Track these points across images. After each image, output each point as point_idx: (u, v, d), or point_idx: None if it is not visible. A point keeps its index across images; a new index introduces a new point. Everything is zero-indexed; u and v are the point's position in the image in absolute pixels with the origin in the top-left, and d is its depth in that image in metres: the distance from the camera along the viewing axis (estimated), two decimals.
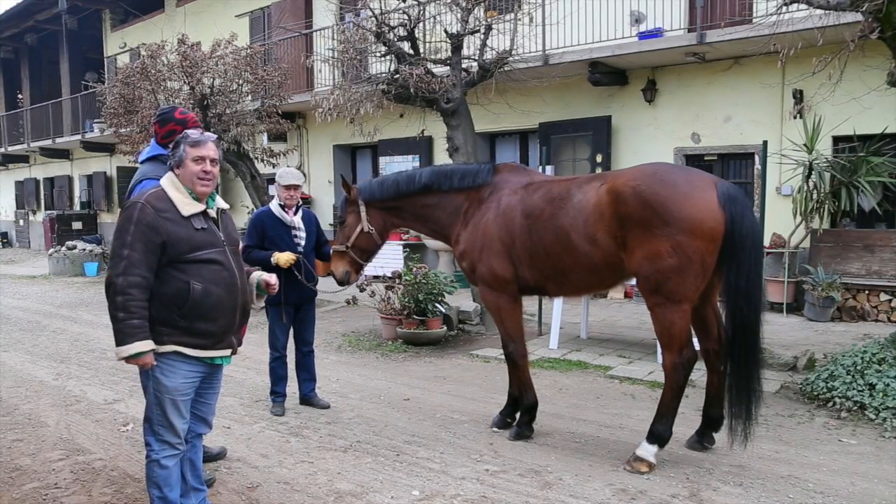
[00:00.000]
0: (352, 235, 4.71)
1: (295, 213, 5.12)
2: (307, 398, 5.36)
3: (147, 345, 2.92)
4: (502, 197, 4.40)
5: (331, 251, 4.91)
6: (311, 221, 5.24)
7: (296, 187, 5.09)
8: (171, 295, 2.98)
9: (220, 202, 3.24)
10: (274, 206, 5.12)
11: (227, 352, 3.20)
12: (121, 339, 2.91)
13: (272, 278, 3.42)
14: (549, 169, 9.80)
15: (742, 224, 3.73)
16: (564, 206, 4.10)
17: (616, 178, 4.02)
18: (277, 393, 5.22)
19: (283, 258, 4.93)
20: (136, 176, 3.81)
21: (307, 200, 14.44)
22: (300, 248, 5.09)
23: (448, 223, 4.66)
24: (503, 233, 4.31)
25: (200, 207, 3.08)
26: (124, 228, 2.96)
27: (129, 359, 2.93)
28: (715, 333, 4.19)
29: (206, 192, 3.11)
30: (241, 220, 13.93)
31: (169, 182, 3.08)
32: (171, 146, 3.16)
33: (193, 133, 3.16)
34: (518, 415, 4.67)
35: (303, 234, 5.13)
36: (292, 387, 5.43)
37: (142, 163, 3.85)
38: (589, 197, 4.02)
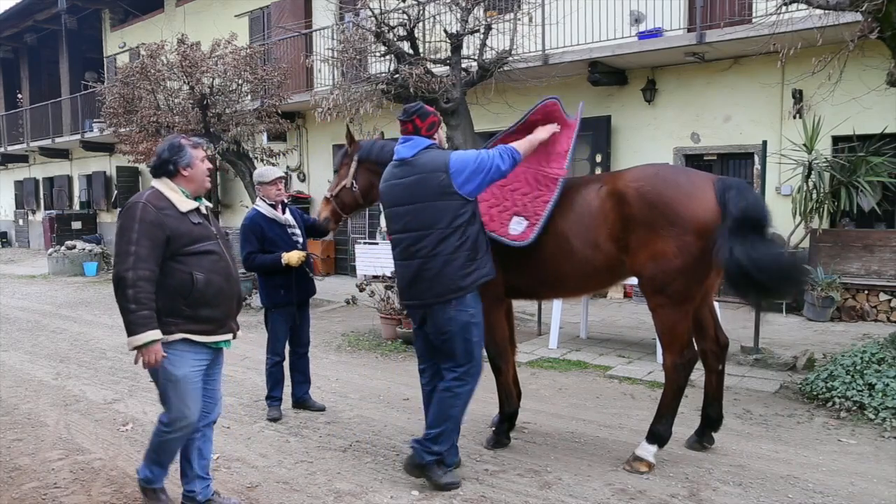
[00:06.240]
0: (337, 187, 4.63)
1: (283, 212, 5.10)
2: (302, 400, 5.30)
3: (157, 334, 3.11)
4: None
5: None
6: (298, 217, 5.23)
7: (282, 179, 5.11)
8: (176, 286, 3.19)
9: (205, 202, 3.48)
10: (263, 207, 5.03)
11: (229, 336, 3.43)
12: (133, 329, 3.08)
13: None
14: None
15: (736, 207, 3.60)
16: (562, 211, 3.98)
17: (616, 179, 3.96)
18: (275, 397, 5.16)
19: (295, 257, 4.92)
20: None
21: (306, 200, 14.44)
22: (299, 245, 5.08)
23: None
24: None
25: (195, 204, 3.35)
26: (129, 227, 3.13)
27: (140, 348, 3.08)
28: (712, 334, 4.18)
29: (208, 188, 3.46)
30: (241, 219, 13.93)
31: (163, 185, 3.32)
32: (166, 152, 3.32)
33: (188, 138, 3.43)
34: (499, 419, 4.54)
35: (298, 231, 5.12)
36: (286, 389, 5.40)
37: (413, 157, 3.78)
38: (590, 199, 3.94)
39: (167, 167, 3.32)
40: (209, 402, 3.46)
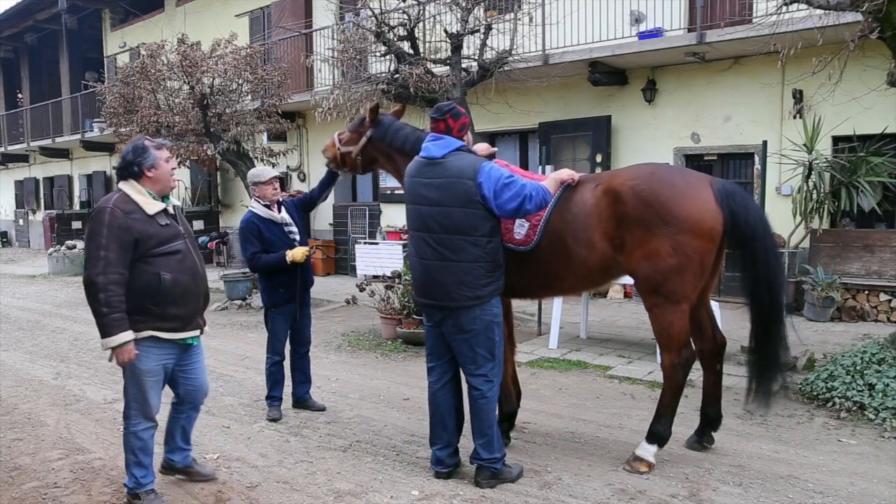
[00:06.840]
0: (344, 146, 4.66)
1: (279, 211, 5.10)
2: (302, 400, 5.30)
3: (130, 335, 3.30)
4: None
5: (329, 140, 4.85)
6: (293, 209, 5.22)
7: (277, 178, 5.11)
8: (143, 286, 3.34)
9: (173, 200, 3.61)
10: (258, 208, 5.04)
11: (196, 332, 3.60)
12: (107, 331, 3.24)
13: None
14: (548, 169, 9.79)
15: (746, 215, 3.74)
16: (558, 209, 3.97)
17: (612, 178, 3.97)
18: (275, 397, 5.16)
19: (300, 254, 4.94)
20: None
21: None
22: (297, 243, 5.09)
23: None
24: None
25: (162, 206, 3.46)
26: (98, 232, 3.25)
27: (114, 349, 3.27)
28: (709, 334, 4.18)
29: (173, 187, 3.62)
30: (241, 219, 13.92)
31: (130, 187, 3.43)
32: (130, 154, 3.43)
33: (152, 139, 3.56)
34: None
35: (295, 229, 5.13)
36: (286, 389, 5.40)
37: (443, 157, 3.75)
38: (586, 198, 3.94)
39: (132, 169, 3.41)
40: (191, 389, 3.71)
